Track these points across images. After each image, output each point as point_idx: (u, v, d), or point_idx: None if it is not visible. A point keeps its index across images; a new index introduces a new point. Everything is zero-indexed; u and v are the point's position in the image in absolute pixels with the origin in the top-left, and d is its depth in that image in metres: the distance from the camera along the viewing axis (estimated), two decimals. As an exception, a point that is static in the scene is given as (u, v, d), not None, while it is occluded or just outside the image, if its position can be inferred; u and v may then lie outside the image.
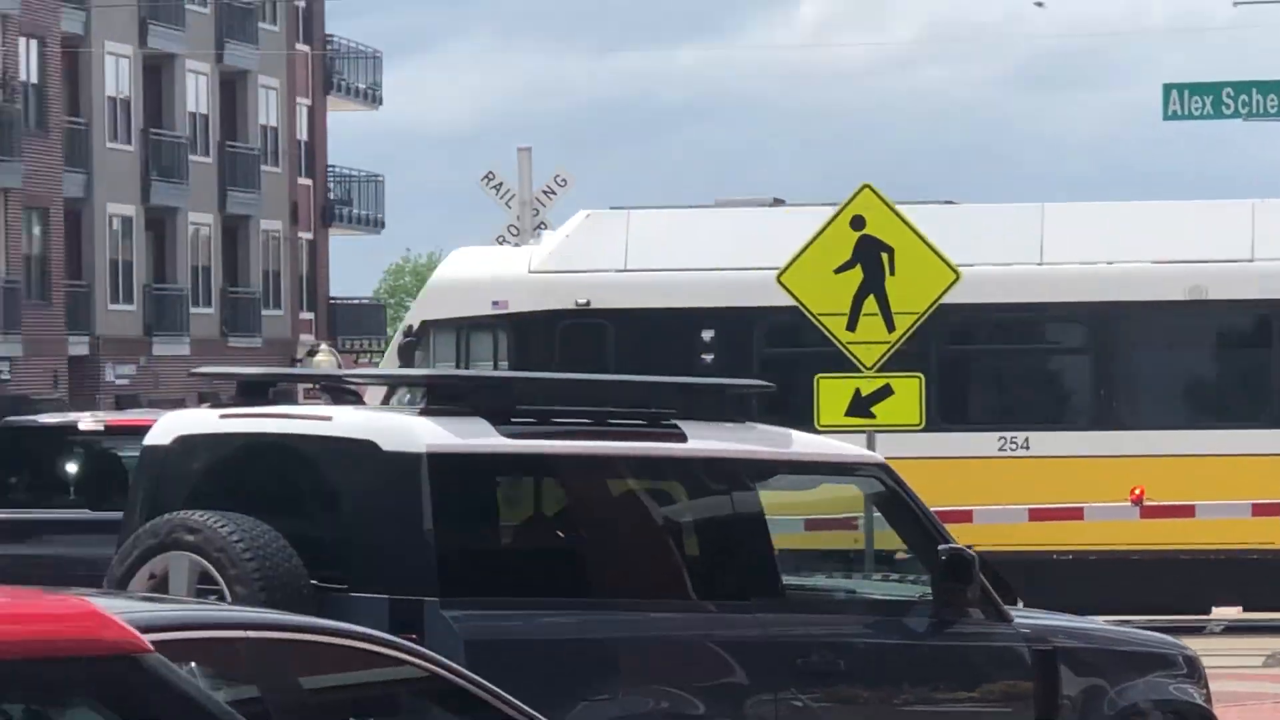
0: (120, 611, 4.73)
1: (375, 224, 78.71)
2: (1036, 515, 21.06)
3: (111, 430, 17.42)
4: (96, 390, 59.69)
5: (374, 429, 8.60)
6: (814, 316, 13.75)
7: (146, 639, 4.28)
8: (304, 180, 72.24)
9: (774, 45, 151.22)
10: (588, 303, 20.40)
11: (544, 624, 8.55)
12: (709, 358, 20.27)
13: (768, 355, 20.51)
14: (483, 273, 21.61)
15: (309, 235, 73.28)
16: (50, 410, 33.73)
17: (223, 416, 9.27)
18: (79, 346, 61.24)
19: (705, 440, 9.09)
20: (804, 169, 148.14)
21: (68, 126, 60.68)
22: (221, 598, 8.30)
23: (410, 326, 21.33)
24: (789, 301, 15.68)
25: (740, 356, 20.38)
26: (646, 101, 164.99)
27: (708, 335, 20.76)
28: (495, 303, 20.46)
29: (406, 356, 20.81)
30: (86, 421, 18.06)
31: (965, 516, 17.87)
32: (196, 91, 66.64)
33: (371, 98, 78.19)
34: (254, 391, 9.48)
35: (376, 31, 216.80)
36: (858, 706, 9.11)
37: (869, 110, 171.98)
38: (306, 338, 71.07)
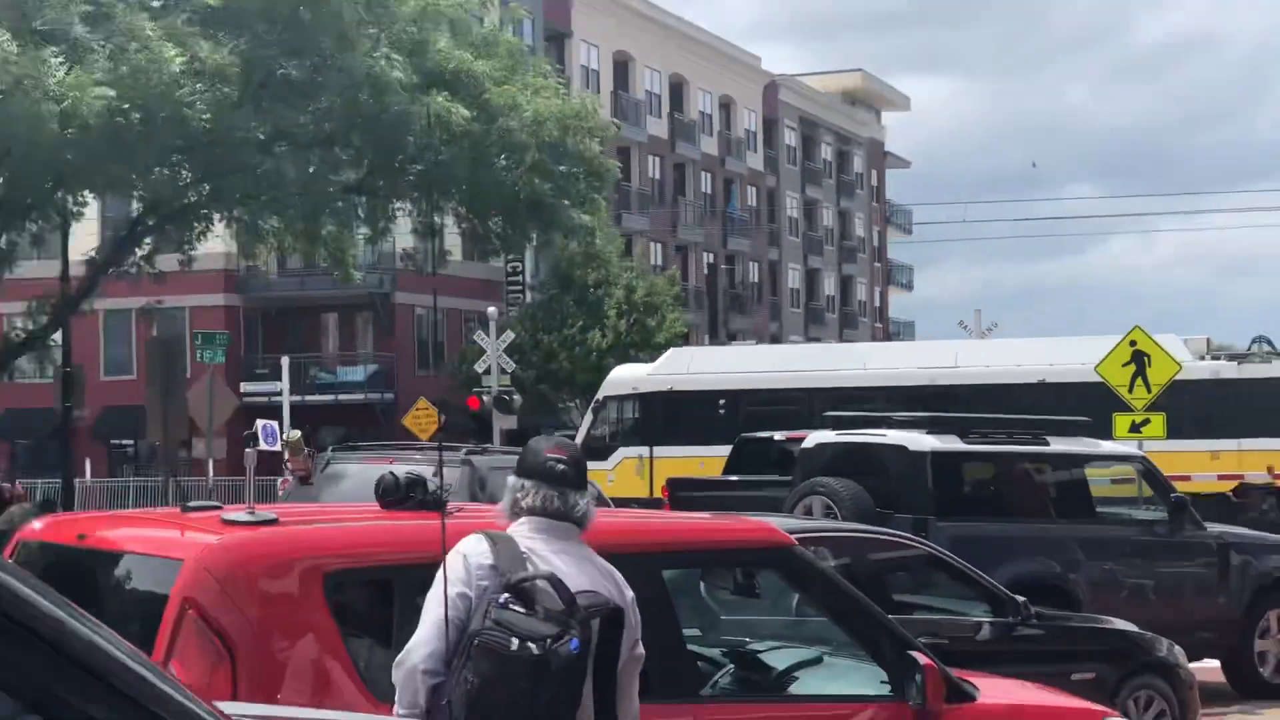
0: (780, 525, 8.09)
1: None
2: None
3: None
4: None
5: (906, 440, 16.30)
6: (1112, 386, 21.23)
7: (793, 538, 7.21)
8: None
9: None
10: (670, 389, 34.02)
11: (982, 529, 15.28)
12: (715, 414, 33.72)
13: (747, 413, 32.85)
14: (629, 375, 36.12)
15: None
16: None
17: (837, 434, 17.51)
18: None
19: (1058, 444, 16.40)
20: None
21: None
22: (835, 518, 15.99)
23: (598, 399, 35.64)
24: (745, 386, 33.66)
25: (728, 415, 33.62)
26: None
27: (718, 404, 34.05)
28: (634, 388, 34.75)
29: (597, 414, 35.34)
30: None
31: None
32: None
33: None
34: (849, 425, 17.82)
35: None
36: (1139, 569, 16.17)
37: None
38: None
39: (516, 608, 5.12)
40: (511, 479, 5.63)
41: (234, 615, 5.65)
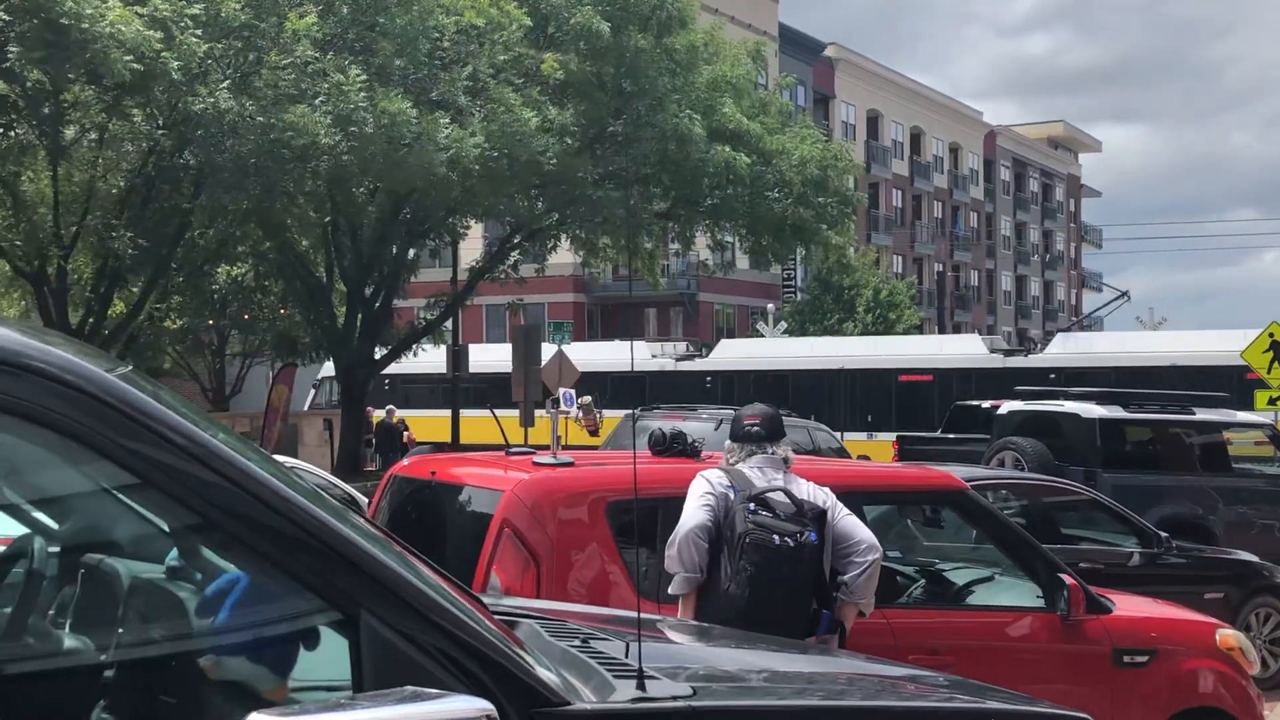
0: (957, 473, 7.95)
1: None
2: None
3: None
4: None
5: (1079, 409, 15.81)
6: (1255, 368, 19.94)
7: (967, 484, 7.00)
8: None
9: None
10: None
11: (1138, 479, 14.84)
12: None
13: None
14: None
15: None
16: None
17: (1025, 404, 17.01)
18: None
19: (1201, 414, 15.73)
20: None
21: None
22: (1022, 469, 15.66)
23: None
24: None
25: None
26: None
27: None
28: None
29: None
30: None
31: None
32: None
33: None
34: (1032, 396, 17.28)
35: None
36: (1264, 512, 15.41)
37: None
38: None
39: (764, 513, 5.22)
40: (727, 441, 5.76)
41: (539, 533, 5.74)
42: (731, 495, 5.39)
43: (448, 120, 21.31)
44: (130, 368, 2.63)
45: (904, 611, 6.67)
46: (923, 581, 7.40)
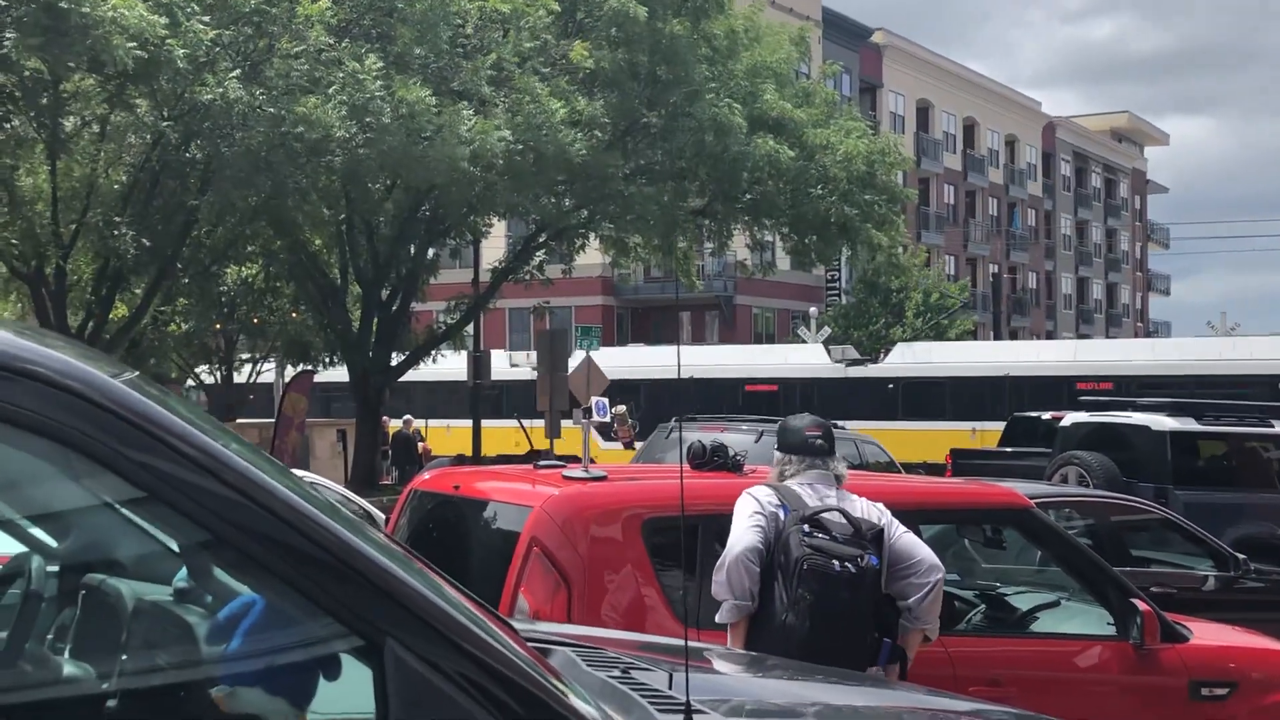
0: (1020, 489, 7.98)
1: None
2: None
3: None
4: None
5: (1149, 421, 15.67)
6: None
7: (1033, 501, 7.06)
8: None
9: None
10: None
11: (1213, 497, 14.73)
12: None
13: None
14: None
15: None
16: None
17: (1090, 415, 16.88)
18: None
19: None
20: None
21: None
22: (1087, 485, 15.57)
23: None
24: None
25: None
26: None
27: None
28: None
29: None
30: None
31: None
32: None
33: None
34: (1098, 407, 17.11)
35: None
36: None
37: None
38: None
39: (819, 535, 5.14)
40: (777, 454, 5.62)
41: (570, 553, 5.68)
42: (782, 515, 5.30)
43: (470, 112, 21.32)
44: (136, 373, 2.60)
45: (963, 639, 6.58)
46: (983, 607, 7.31)
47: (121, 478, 2.31)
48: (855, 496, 5.55)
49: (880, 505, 5.56)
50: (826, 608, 5.09)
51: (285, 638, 2.50)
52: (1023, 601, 7.41)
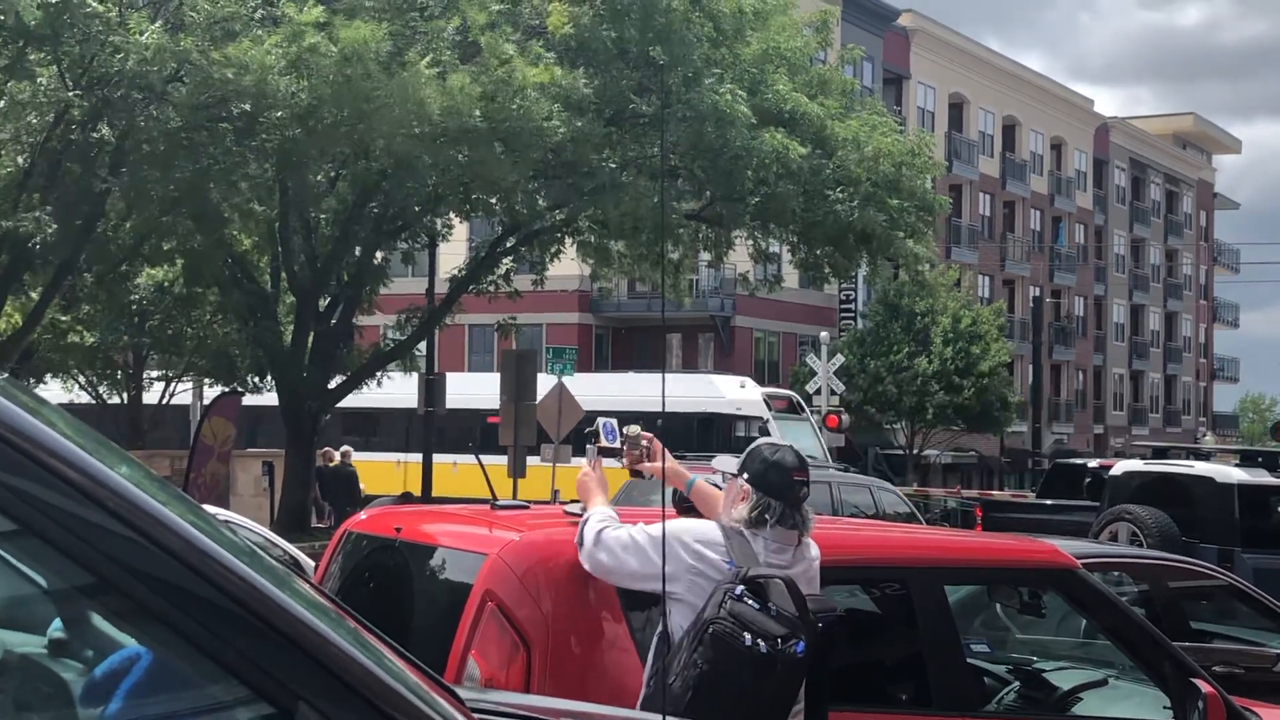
0: (1065, 548, 7.37)
1: None
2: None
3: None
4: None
5: (1214, 472, 15.77)
6: None
7: (1078, 562, 6.96)
8: None
9: None
10: None
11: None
12: None
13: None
14: None
15: None
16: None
17: (1145, 464, 16.96)
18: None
19: None
20: None
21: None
22: (1140, 544, 15.59)
23: None
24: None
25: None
26: None
27: None
28: None
29: None
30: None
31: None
32: None
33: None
34: (1162, 455, 17.17)
35: None
36: None
37: None
38: None
39: (751, 602, 5.05)
40: (753, 493, 5.50)
41: (531, 609, 5.60)
42: (724, 567, 5.26)
43: (434, 71, 21.26)
44: (4, 375, 2.53)
45: (989, 722, 6.53)
46: (1017, 684, 7.26)
47: None
48: (813, 549, 5.51)
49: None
50: (717, 685, 4.97)
51: (176, 701, 2.45)
52: (1064, 679, 7.36)
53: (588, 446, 6.09)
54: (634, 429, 6.09)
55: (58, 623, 2.72)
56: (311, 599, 2.62)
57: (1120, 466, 16.94)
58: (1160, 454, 17.16)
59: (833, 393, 42.95)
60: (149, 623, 2.35)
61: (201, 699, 2.40)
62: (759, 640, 4.95)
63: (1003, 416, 54.93)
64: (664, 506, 5.03)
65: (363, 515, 7.11)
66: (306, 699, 2.33)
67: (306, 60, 20.13)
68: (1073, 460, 25.47)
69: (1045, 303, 68.86)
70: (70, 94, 20.82)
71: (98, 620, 2.57)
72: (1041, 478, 25.96)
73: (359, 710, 2.36)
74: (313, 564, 10.98)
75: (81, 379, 35.39)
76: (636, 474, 5.99)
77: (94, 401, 36.05)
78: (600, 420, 5.85)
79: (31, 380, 30.91)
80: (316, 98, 20.26)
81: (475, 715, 2.91)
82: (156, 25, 19.97)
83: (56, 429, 2.35)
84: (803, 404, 37.69)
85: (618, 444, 5.94)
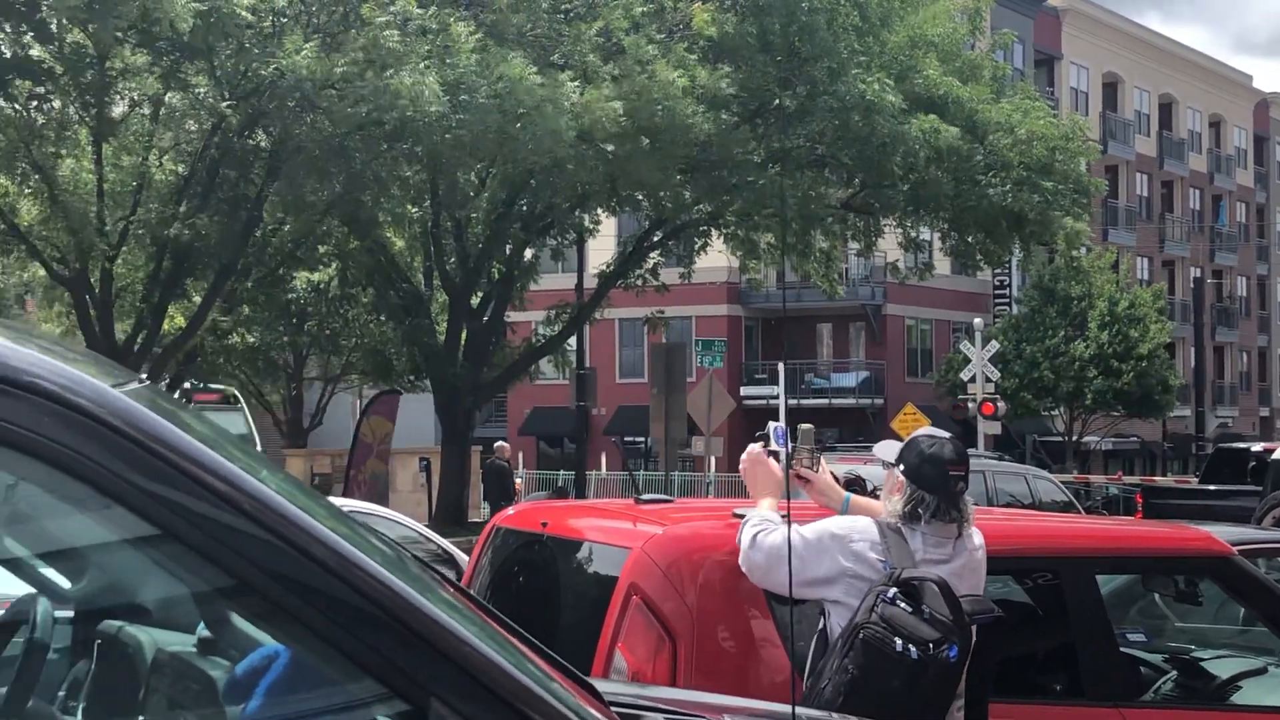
0: (1223, 535, 7.36)
1: None
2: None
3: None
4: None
5: None
6: None
7: (1235, 549, 6.84)
8: None
9: None
10: None
11: None
12: None
13: None
14: None
15: None
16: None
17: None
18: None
19: None
20: None
21: None
22: None
23: None
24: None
25: None
26: None
27: None
28: None
29: None
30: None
31: None
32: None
33: None
34: None
35: None
36: None
37: None
38: None
39: (903, 605, 4.97)
40: (908, 486, 5.42)
41: (676, 603, 5.60)
42: (881, 567, 5.17)
43: (576, 83, 21.36)
44: (146, 382, 2.60)
45: (1151, 712, 6.45)
46: (1174, 674, 7.16)
47: (130, 510, 2.29)
48: (976, 538, 5.43)
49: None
50: (867, 691, 4.87)
51: (313, 698, 2.49)
52: (1222, 668, 7.24)
53: (767, 451, 6.00)
54: (806, 426, 6.04)
55: (204, 623, 2.77)
56: (446, 597, 2.65)
57: (1281, 451, 16.55)
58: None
59: (988, 379, 42.48)
60: (285, 621, 2.38)
61: (337, 695, 2.43)
62: (910, 645, 4.86)
63: (1164, 400, 53.89)
64: (789, 516, 4.96)
65: (510, 512, 7.20)
66: (440, 696, 2.35)
67: (458, 84, 20.24)
68: (1236, 445, 24.97)
69: (1206, 283, 67.46)
70: (225, 105, 21.17)
71: (238, 620, 2.62)
72: (1205, 463, 25.46)
73: (493, 707, 2.37)
74: (466, 559, 11.11)
75: (242, 377, 35.99)
76: (799, 478, 5.87)
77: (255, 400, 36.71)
78: (771, 425, 5.79)
79: (195, 382, 31.56)
80: (464, 119, 20.34)
81: (614, 710, 2.91)
82: (311, 45, 20.15)
83: (195, 433, 2.40)
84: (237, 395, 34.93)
85: (789, 448, 5.84)
